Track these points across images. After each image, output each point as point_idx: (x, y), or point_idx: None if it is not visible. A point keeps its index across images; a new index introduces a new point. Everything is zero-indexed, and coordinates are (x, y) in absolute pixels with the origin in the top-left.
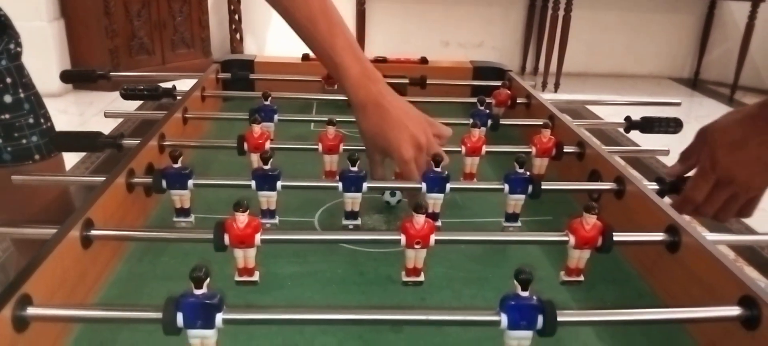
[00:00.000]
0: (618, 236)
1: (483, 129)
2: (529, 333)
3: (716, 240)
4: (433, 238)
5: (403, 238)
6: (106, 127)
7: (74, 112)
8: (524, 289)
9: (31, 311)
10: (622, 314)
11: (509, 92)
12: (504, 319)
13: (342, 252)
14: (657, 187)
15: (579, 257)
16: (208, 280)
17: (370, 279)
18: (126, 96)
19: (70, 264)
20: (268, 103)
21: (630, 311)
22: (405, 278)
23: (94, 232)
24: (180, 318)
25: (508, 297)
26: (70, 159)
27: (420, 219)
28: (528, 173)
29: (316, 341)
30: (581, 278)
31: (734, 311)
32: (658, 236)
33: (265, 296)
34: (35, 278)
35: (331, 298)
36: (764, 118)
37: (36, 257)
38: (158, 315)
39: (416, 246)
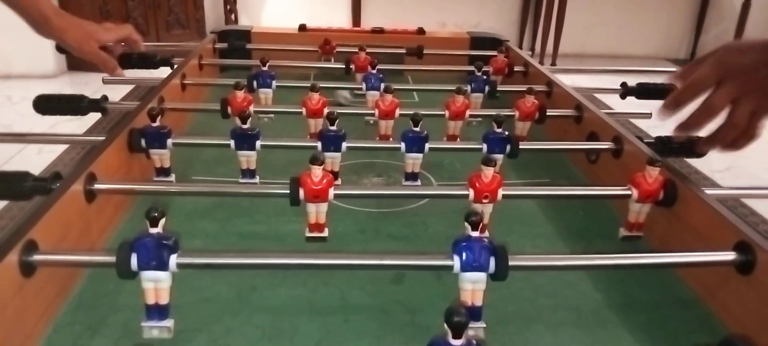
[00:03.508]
0: (615, 191)
1: (478, 95)
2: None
3: (713, 194)
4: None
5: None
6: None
7: (70, 92)
8: (475, 229)
9: (37, 256)
10: (620, 258)
11: (506, 60)
12: (456, 262)
13: (341, 211)
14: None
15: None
16: (164, 221)
17: (370, 237)
18: (122, 63)
19: (74, 216)
20: (265, 69)
21: (627, 256)
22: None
23: (97, 186)
24: (135, 260)
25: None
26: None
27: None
28: (506, 133)
29: (320, 292)
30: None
31: (729, 256)
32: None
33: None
34: (40, 226)
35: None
36: None
37: (40, 207)
38: (112, 259)
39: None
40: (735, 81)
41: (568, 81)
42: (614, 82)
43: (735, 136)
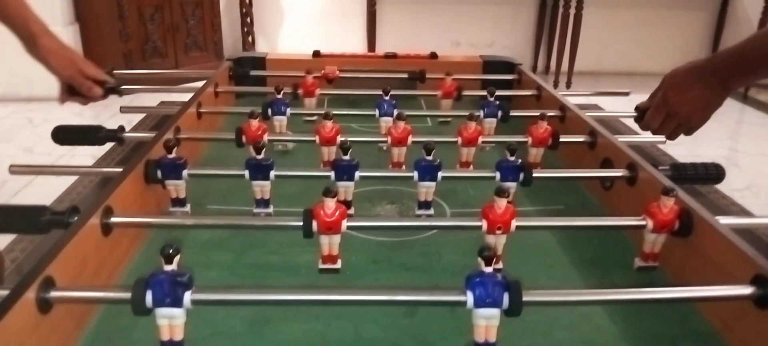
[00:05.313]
0: (630, 221)
1: (491, 120)
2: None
3: (729, 223)
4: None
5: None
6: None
7: (89, 114)
8: (488, 265)
9: (54, 293)
10: (635, 293)
11: (455, 82)
12: (470, 298)
13: (354, 240)
14: (635, 115)
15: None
16: (178, 258)
17: (383, 267)
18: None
19: (91, 250)
20: (280, 96)
21: (642, 290)
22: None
23: (114, 219)
24: (149, 297)
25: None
26: (83, 150)
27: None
28: (519, 161)
29: (333, 325)
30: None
31: (746, 289)
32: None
33: (279, 283)
34: (57, 262)
35: (344, 283)
36: (708, 71)
37: (57, 242)
38: (127, 295)
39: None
40: (676, 117)
41: (582, 101)
42: (631, 100)
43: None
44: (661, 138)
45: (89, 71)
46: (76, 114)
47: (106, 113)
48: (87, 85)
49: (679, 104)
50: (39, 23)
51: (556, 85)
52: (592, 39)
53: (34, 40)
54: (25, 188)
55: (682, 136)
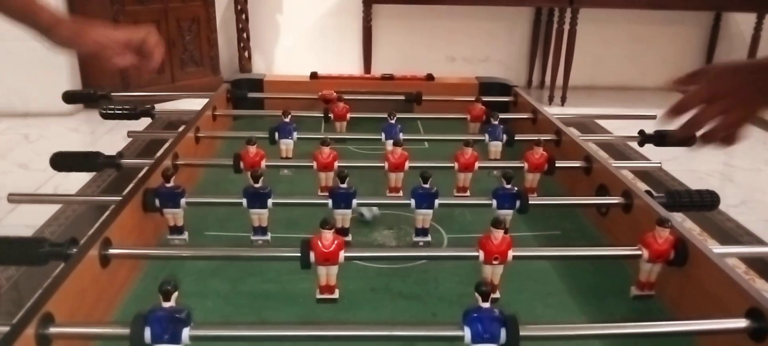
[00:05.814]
0: (626, 251)
1: (496, 143)
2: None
3: (724, 253)
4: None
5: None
6: (117, 146)
7: (85, 130)
8: (485, 300)
9: (54, 329)
10: (632, 327)
11: (483, 107)
12: (467, 333)
13: (351, 268)
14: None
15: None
16: (177, 294)
17: (381, 296)
18: (105, 116)
19: (89, 283)
20: (287, 120)
21: (638, 324)
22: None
23: (112, 251)
24: (148, 333)
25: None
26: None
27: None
28: (516, 189)
29: None
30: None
31: (741, 323)
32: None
33: (276, 312)
34: (56, 297)
35: (342, 313)
36: (751, 68)
37: (56, 277)
38: (126, 331)
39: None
40: (722, 100)
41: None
42: (635, 124)
43: (721, 138)
44: (656, 164)
45: (118, 37)
46: (72, 129)
47: (103, 127)
48: (111, 60)
49: (726, 86)
50: (47, 15)
51: (550, 100)
52: (587, 54)
53: (47, 34)
54: (19, 207)
55: (678, 150)
